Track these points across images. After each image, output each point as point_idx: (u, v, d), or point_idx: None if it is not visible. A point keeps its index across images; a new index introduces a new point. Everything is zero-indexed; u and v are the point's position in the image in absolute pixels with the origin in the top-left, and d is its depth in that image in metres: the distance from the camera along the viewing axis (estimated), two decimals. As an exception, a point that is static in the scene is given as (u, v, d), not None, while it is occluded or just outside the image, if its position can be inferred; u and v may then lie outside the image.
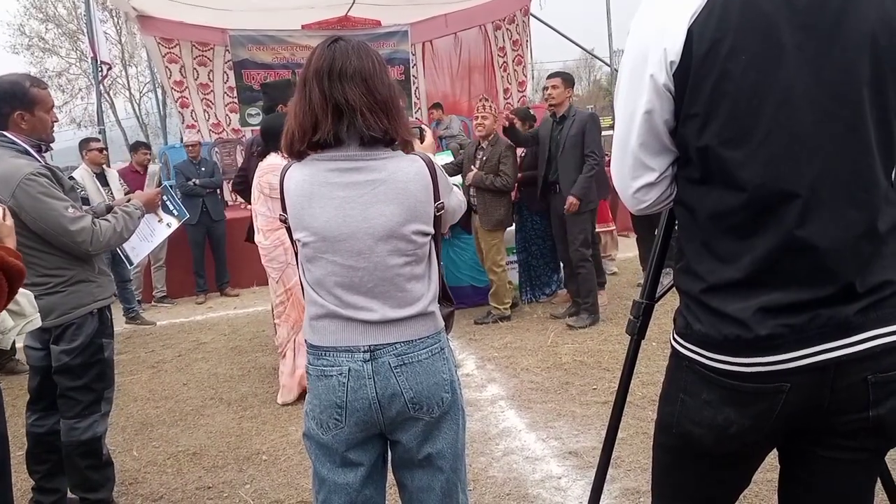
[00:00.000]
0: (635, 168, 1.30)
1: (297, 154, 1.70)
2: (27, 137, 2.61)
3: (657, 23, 1.19)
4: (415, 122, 2.46)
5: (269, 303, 5.26)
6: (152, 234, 3.12)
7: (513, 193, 5.59)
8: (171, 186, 8.21)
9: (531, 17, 11.38)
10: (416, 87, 11.43)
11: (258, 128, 10.36)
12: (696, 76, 1.16)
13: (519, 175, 5.58)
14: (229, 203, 9.97)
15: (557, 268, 6.07)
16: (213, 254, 7.66)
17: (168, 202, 3.19)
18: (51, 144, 2.77)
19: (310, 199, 1.65)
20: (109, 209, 2.87)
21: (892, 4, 1.13)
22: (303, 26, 10.32)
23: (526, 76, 11.78)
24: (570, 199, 5.12)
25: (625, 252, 7.68)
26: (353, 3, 9.50)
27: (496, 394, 4.03)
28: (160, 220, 3.15)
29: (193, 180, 7.36)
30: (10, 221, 2.00)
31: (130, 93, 27.01)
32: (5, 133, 2.56)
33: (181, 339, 6.07)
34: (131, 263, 3.31)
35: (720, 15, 1.13)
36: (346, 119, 1.62)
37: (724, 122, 1.16)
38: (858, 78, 1.13)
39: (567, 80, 5.42)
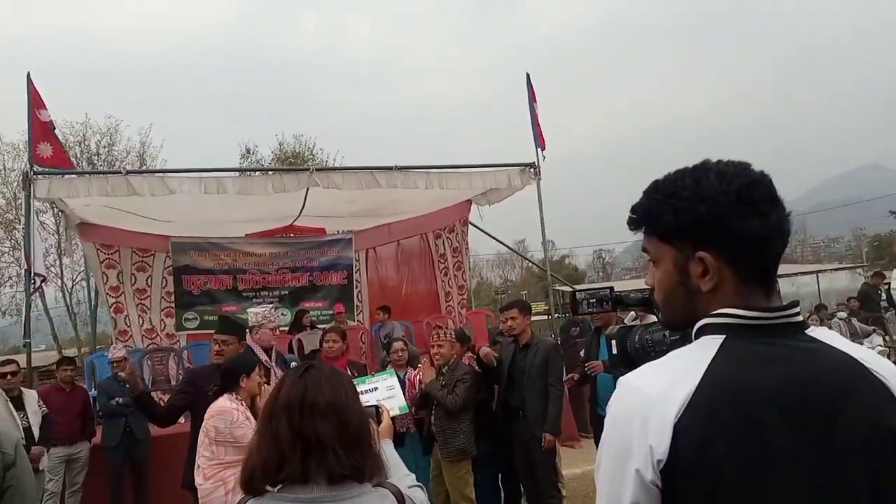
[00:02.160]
0: None
1: (256, 492, 1.56)
2: None
3: (641, 414, 1.13)
4: (371, 403, 2.36)
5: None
6: None
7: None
8: (93, 399, 7.81)
9: (470, 224, 11.89)
10: (359, 291, 11.52)
11: (194, 332, 10.27)
12: (685, 478, 1.09)
13: None
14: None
15: (498, 499, 5.79)
16: (133, 477, 7.06)
17: None
18: None
19: None
20: None
21: (879, 412, 1.12)
22: (247, 234, 10.48)
23: (465, 280, 12.09)
24: (547, 437, 5.11)
25: (570, 468, 7.38)
26: (299, 215, 9.73)
27: None
28: None
29: (117, 399, 6.93)
30: None
31: (63, 282, 26.38)
32: None
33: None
34: None
35: (706, 416, 1.08)
36: (314, 456, 1.51)
37: None
38: (855, 485, 1.08)
39: (523, 309, 5.53)
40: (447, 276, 11.84)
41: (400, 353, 5.90)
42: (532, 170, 9.00)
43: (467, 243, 11.98)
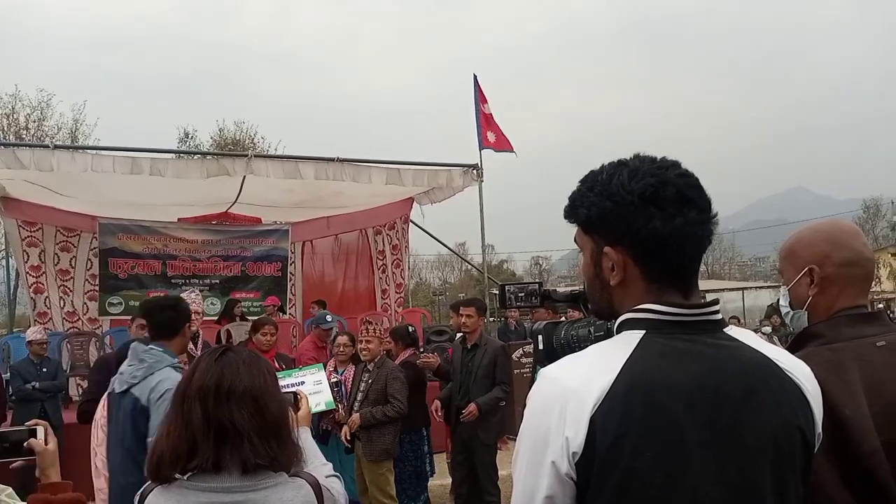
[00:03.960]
0: None
1: (163, 479, 1.48)
2: None
3: (558, 405, 1.13)
4: (289, 388, 2.31)
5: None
6: None
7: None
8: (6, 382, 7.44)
9: (410, 222, 11.83)
10: (293, 284, 11.33)
11: (118, 317, 9.91)
12: (600, 470, 1.09)
13: None
14: (73, 399, 9.08)
15: (423, 490, 5.78)
16: (45, 466, 6.76)
17: None
18: None
19: None
20: None
21: (790, 411, 1.15)
22: (179, 219, 10.19)
23: (404, 278, 12.02)
24: (471, 408, 5.10)
25: (505, 468, 7.40)
26: (235, 202, 9.51)
27: None
28: None
29: (33, 383, 6.64)
30: (52, 445, 1.73)
31: (-21, 260, 25.13)
32: None
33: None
34: None
35: (623, 408, 1.09)
36: (229, 444, 1.46)
37: None
38: (761, 481, 1.11)
39: (480, 308, 5.55)
40: (385, 273, 11.75)
41: (343, 348, 5.75)
42: (475, 171, 9.04)
43: (407, 241, 11.91)
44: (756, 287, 29.37)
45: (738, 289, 27.58)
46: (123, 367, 3.23)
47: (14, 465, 1.73)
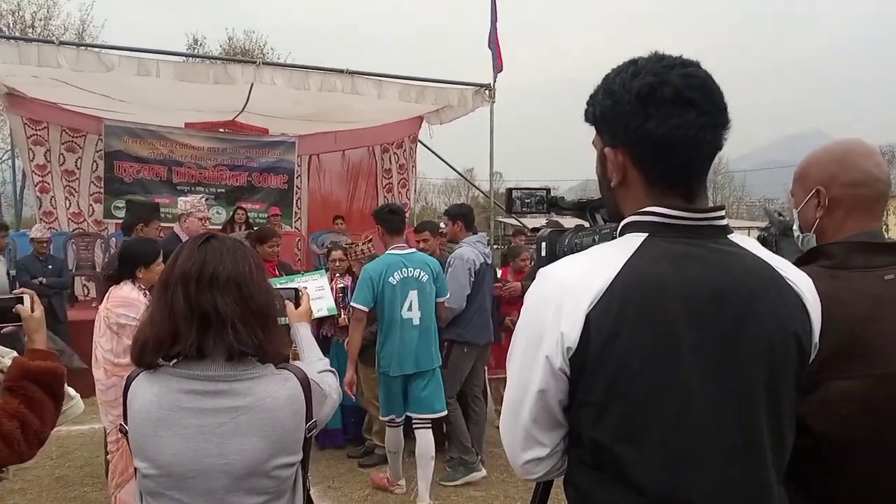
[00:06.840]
0: (526, 441, 1.22)
1: (147, 365, 1.49)
2: None
3: (555, 302, 1.13)
4: (290, 286, 2.32)
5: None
6: None
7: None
8: (12, 276, 7.53)
9: (419, 142, 11.69)
10: (299, 198, 11.31)
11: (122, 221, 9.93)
12: (592, 366, 1.10)
13: None
14: (80, 299, 9.24)
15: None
16: (51, 360, 6.93)
17: None
18: None
19: (156, 427, 1.43)
20: None
21: (788, 318, 1.15)
22: (186, 124, 10.08)
23: (409, 199, 11.97)
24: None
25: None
26: (242, 110, 9.38)
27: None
28: None
29: (40, 279, 6.73)
30: (38, 313, 1.79)
31: (-14, 159, 25.06)
32: None
33: None
34: None
35: (619, 307, 1.09)
36: (213, 331, 1.44)
37: (619, 418, 1.10)
38: (755, 385, 1.12)
39: (433, 230, 5.68)
40: (391, 192, 11.70)
41: (338, 263, 5.83)
42: (487, 91, 8.86)
43: (415, 161, 11.81)
44: (760, 227, 29.28)
45: (744, 228, 27.50)
46: None
47: (3, 330, 1.79)
